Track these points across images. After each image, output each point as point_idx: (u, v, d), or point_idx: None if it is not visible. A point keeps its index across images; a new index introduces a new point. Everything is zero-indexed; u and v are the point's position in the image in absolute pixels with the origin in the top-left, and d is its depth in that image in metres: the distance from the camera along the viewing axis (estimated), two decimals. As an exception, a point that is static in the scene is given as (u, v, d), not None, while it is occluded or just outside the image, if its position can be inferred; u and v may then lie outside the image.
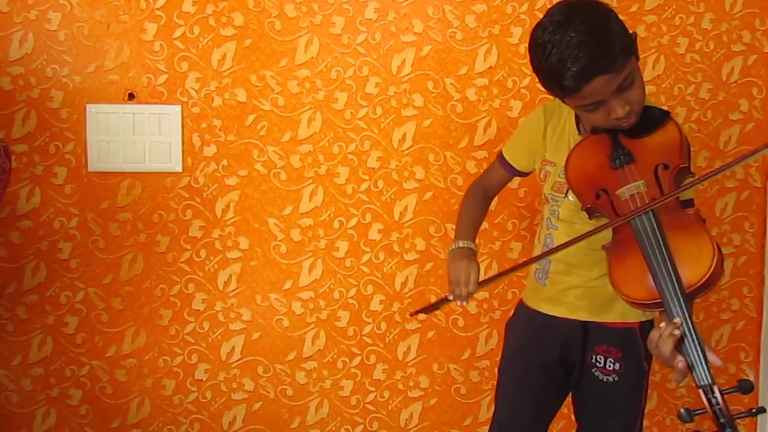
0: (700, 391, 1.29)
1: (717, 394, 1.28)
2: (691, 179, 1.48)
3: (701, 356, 1.30)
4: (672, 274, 1.34)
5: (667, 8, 2.18)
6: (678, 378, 1.32)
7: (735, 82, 2.22)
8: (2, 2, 2.05)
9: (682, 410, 1.28)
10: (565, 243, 1.51)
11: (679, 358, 1.31)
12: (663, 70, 2.19)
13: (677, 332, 1.31)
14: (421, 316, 2.23)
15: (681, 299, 1.33)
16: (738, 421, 1.27)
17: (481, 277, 1.59)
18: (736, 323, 2.30)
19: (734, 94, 2.23)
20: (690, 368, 1.30)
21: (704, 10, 2.18)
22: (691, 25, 2.19)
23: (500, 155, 1.76)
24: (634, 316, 1.63)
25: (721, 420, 1.26)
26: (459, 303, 1.59)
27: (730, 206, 2.26)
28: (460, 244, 1.65)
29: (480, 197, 1.78)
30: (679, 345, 1.32)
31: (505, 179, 1.78)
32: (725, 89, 2.22)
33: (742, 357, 2.31)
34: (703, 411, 1.28)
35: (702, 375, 1.29)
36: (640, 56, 1.50)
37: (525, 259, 1.63)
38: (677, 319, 1.32)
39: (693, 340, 1.31)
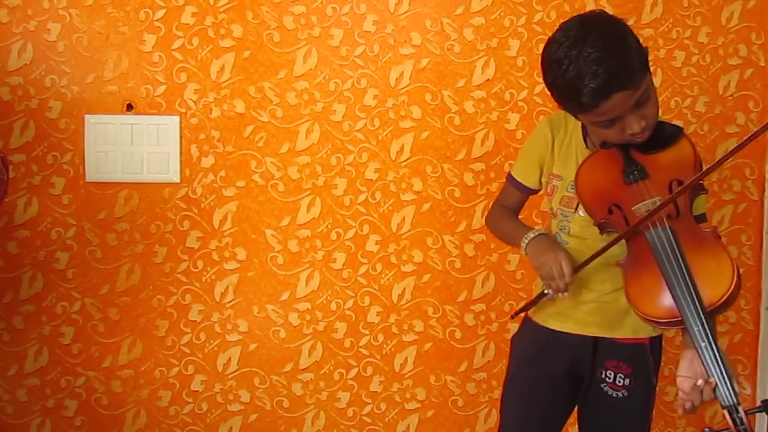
0: (725, 412, 1.28)
1: (741, 414, 1.27)
2: (700, 191, 1.48)
3: (726, 376, 1.29)
4: (692, 292, 1.33)
5: (664, 22, 2.19)
6: (707, 397, 1.32)
7: (731, 95, 2.23)
8: (2, 12, 2.06)
9: (706, 430, 1.27)
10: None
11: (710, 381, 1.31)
12: (660, 83, 2.20)
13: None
14: (418, 327, 2.23)
15: (703, 318, 1.31)
16: None
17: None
18: (733, 336, 2.30)
19: (731, 108, 2.24)
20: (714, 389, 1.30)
21: (701, 24, 2.20)
22: (687, 39, 2.20)
23: (510, 178, 1.71)
24: (645, 331, 1.61)
25: None
26: (560, 295, 1.52)
27: (727, 219, 2.27)
28: (532, 234, 1.57)
29: (507, 211, 1.74)
30: (704, 365, 1.32)
31: (521, 200, 1.74)
32: (722, 102, 2.23)
33: (739, 369, 2.31)
34: (726, 431, 1.28)
35: (727, 395, 1.28)
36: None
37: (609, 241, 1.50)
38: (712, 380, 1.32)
39: (717, 361, 1.30)
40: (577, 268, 1.51)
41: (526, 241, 1.57)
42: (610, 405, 1.62)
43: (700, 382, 1.32)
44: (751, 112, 2.24)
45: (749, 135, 1.36)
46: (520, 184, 1.69)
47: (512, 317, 1.70)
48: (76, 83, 2.11)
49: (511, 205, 1.74)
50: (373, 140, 2.18)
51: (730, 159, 2.26)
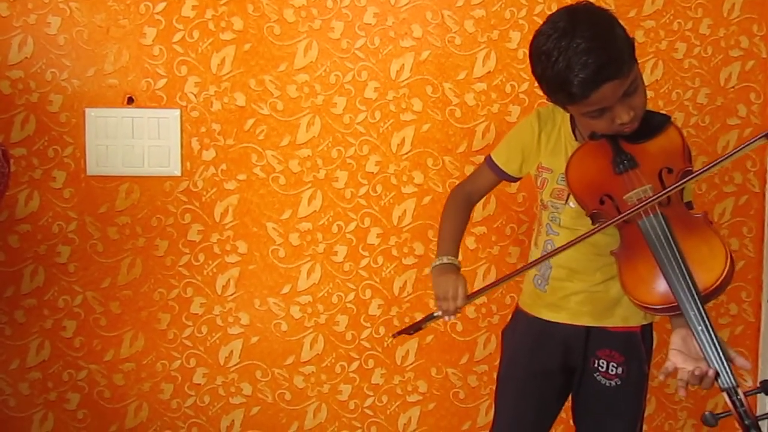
0: (724, 394, 1.28)
1: (741, 396, 1.27)
2: (692, 174, 1.48)
3: (724, 359, 1.29)
4: (687, 278, 1.34)
5: (665, 13, 2.18)
6: (706, 385, 1.32)
7: (733, 87, 2.22)
8: (2, 6, 2.06)
9: (707, 414, 1.27)
10: (565, 245, 1.50)
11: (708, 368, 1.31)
12: (661, 75, 2.20)
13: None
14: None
15: (698, 303, 1.32)
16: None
17: (470, 290, 1.58)
18: (734, 328, 2.30)
19: (732, 99, 2.23)
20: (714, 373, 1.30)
21: (702, 16, 2.19)
22: (689, 31, 2.20)
23: (489, 160, 1.73)
24: (636, 319, 1.63)
25: (746, 422, 1.26)
26: (447, 318, 1.58)
27: (729, 211, 2.27)
28: (444, 260, 1.64)
29: (464, 204, 1.76)
30: (701, 349, 1.31)
31: (493, 184, 1.76)
32: (723, 94, 2.23)
33: (740, 362, 2.31)
34: (727, 414, 1.28)
35: (726, 378, 1.29)
36: (638, 61, 1.51)
37: (522, 265, 1.62)
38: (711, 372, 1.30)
39: (714, 344, 1.30)
40: (470, 295, 1.56)
41: (438, 262, 1.64)
42: (603, 394, 1.64)
43: (698, 371, 1.31)
44: (752, 104, 2.23)
45: (752, 139, 1.36)
46: (499, 168, 1.71)
47: (394, 336, 1.77)
48: (77, 77, 2.10)
49: (479, 188, 1.77)
50: (374, 133, 2.18)
51: (731, 151, 2.27)
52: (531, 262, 1.62)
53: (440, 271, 1.61)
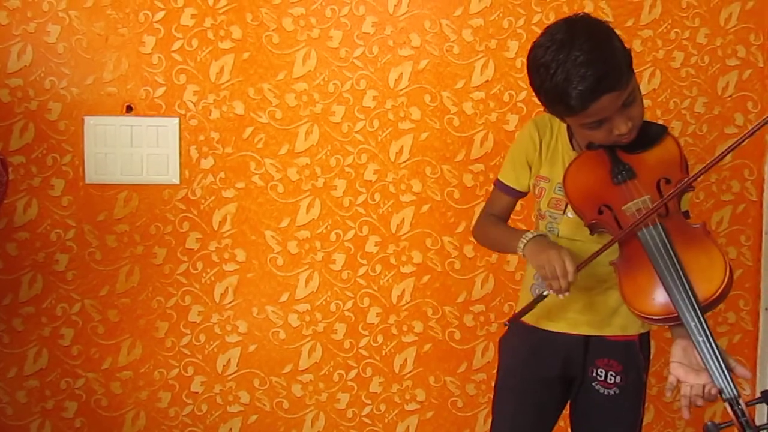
0: (726, 404, 1.28)
1: (742, 405, 1.27)
2: (688, 178, 1.47)
3: (725, 369, 1.29)
4: (687, 288, 1.34)
5: (663, 23, 2.19)
6: (709, 399, 1.31)
7: (730, 96, 2.23)
8: (1, 14, 2.07)
9: (709, 423, 1.26)
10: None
11: (711, 382, 1.30)
12: (659, 84, 2.21)
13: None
14: (418, 328, 2.23)
15: (699, 313, 1.32)
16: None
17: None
18: (732, 336, 2.30)
19: (729, 108, 2.24)
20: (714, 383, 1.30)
21: (699, 25, 2.20)
22: (686, 40, 2.20)
23: (499, 183, 1.71)
24: (634, 328, 1.63)
25: (748, 431, 1.26)
26: (561, 296, 1.48)
27: (726, 220, 2.27)
28: (530, 235, 1.53)
29: (495, 219, 1.72)
30: (702, 360, 1.31)
31: (511, 205, 1.73)
32: (720, 103, 2.23)
33: (738, 370, 2.31)
34: (729, 424, 1.27)
35: (727, 389, 1.28)
36: (636, 70, 1.52)
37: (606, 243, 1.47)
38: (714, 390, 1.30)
39: (715, 354, 1.30)
40: (579, 267, 1.47)
41: (525, 241, 1.54)
42: (601, 403, 1.63)
43: (699, 401, 1.32)
44: (749, 112, 2.24)
45: (745, 132, 1.34)
46: (510, 188, 1.69)
47: (507, 323, 1.67)
48: (76, 85, 2.11)
49: (500, 212, 1.73)
50: (373, 141, 2.18)
51: (729, 159, 2.28)
52: (607, 244, 1.47)
53: (537, 247, 1.51)
